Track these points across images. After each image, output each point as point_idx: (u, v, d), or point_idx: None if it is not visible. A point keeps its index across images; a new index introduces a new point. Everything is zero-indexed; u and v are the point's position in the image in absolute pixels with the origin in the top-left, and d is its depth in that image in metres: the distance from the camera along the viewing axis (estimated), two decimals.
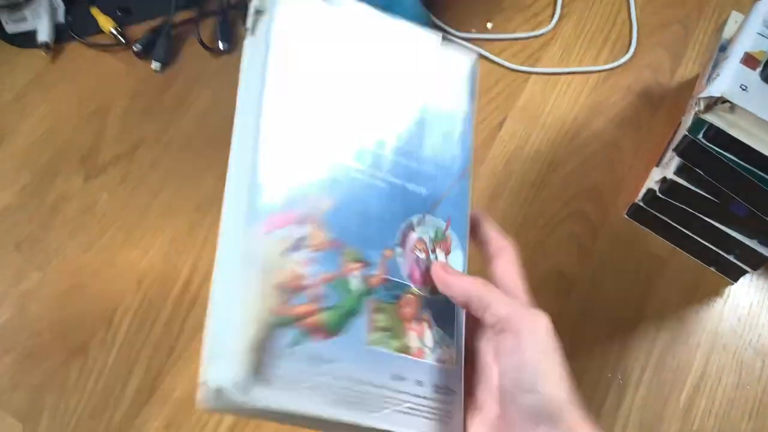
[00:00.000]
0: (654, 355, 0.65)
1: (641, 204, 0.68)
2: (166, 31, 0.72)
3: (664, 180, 0.64)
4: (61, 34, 0.71)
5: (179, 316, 0.61)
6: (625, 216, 0.71)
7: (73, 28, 0.71)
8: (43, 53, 0.70)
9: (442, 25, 0.77)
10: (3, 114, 0.67)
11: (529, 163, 0.72)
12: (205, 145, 0.68)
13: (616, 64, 0.78)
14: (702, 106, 0.56)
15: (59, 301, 0.60)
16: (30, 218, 0.63)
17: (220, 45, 0.72)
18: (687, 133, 0.59)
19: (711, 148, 0.58)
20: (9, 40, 0.70)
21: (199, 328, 0.60)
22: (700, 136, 0.58)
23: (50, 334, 0.59)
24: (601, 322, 0.66)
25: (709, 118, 0.56)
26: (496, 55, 0.77)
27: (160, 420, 0.57)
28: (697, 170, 0.61)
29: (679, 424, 0.63)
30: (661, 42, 0.80)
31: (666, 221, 0.68)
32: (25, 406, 0.56)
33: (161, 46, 0.71)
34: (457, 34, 0.77)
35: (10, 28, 0.70)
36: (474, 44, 0.77)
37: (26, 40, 0.70)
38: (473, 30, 0.78)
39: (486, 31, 0.78)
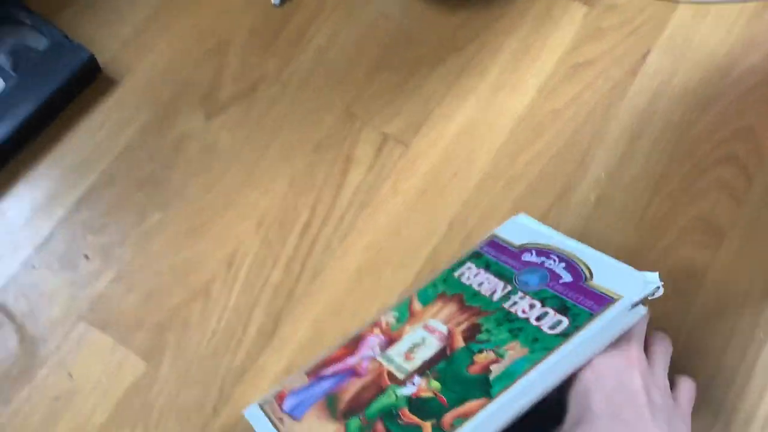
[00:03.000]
0: None
1: None
2: None
3: None
4: None
5: (299, 258, 0.59)
6: None
7: None
8: None
9: None
10: (123, 50, 0.66)
11: (675, 100, 0.66)
12: (324, 82, 0.66)
13: None
14: None
15: (180, 242, 0.60)
16: (151, 157, 0.62)
17: None
18: None
19: None
20: None
21: (318, 270, 0.59)
22: None
23: (172, 274, 0.59)
24: (753, 277, 0.60)
25: None
26: None
27: (281, 363, 0.56)
28: None
29: None
30: None
31: None
32: (148, 345, 0.56)
33: None
34: None
35: None
36: None
37: None
38: None
39: None
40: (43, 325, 0.57)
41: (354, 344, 0.54)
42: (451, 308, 0.53)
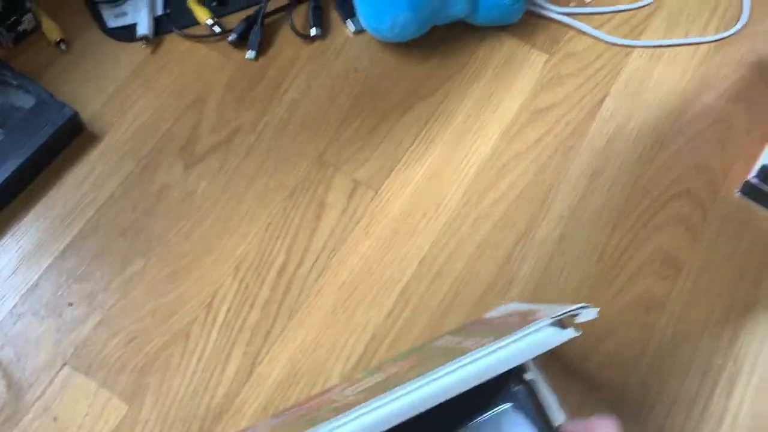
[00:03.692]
0: None
1: (754, 182, 0.64)
2: (259, 19, 0.72)
3: None
4: (160, 27, 0.73)
5: (275, 300, 0.62)
6: (737, 194, 0.67)
7: (171, 20, 0.73)
8: (143, 46, 0.72)
9: (540, 1, 0.74)
10: (107, 106, 0.69)
11: (632, 141, 0.69)
12: (298, 132, 0.69)
13: (726, 34, 0.74)
14: None
15: (161, 287, 0.62)
16: (134, 207, 0.65)
17: (312, 31, 0.73)
18: None
19: None
20: (111, 34, 0.72)
21: (294, 311, 0.61)
22: None
23: (153, 318, 0.61)
24: (711, 306, 0.63)
25: None
26: (596, 29, 0.74)
27: (258, 401, 0.58)
28: None
29: None
30: None
31: None
32: (130, 388, 0.58)
33: (255, 35, 0.72)
34: (556, 9, 0.74)
35: (112, 23, 0.72)
36: (573, 18, 0.74)
37: (127, 34, 0.72)
38: (572, 3, 0.75)
39: (585, 4, 0.75)
40: (29, 372, 0.59)
41: (321, 394, 0.57)
42: (411, 361, 0.55)
